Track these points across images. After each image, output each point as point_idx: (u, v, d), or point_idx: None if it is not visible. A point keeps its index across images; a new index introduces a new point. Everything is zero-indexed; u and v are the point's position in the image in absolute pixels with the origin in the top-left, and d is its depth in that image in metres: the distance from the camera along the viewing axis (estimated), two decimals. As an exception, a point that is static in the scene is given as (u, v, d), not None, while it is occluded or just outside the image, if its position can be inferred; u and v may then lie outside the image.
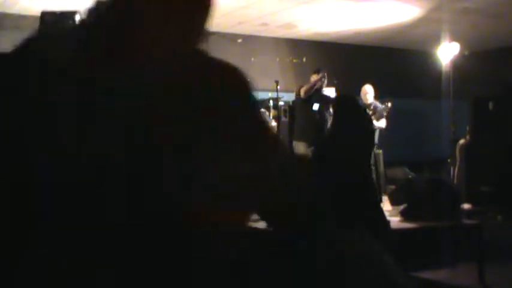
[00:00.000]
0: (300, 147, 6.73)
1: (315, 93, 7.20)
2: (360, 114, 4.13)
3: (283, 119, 8.17)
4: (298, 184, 1.07)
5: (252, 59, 10.17)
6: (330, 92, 9.74)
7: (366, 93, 8.20)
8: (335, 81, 7.94)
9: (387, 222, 4.03)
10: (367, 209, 3.87)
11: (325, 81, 7.34)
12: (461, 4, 8.09)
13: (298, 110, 6.94)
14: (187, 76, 0.97)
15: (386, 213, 5.76)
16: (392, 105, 8.09)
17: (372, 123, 5.17)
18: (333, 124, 4.12)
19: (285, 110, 8.32)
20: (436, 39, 9.40)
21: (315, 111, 6.99)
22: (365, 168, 3.96)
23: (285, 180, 1.03)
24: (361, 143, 3.98)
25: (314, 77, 7.16)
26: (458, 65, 9.44)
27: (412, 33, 9.78)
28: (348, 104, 4.06)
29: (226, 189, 0.94)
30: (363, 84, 8.34)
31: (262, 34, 10.01)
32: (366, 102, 8.16)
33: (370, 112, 8.11)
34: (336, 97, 5.20)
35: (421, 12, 8.58)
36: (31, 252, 0.94)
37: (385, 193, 7.31)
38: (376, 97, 8.30)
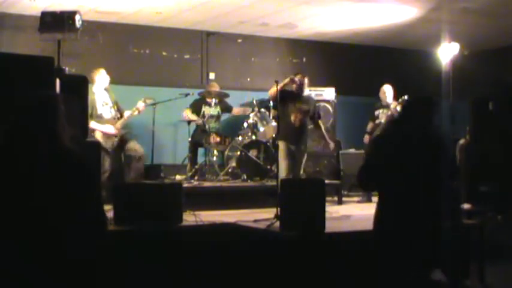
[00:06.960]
0: (281, 146, 6.82)
1: (295, 96, 7.10)
2: None
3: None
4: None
5: (252, 59, 10.18)
6: (329, 92, 9.76)
7: (384, 93, 8.37)
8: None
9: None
10: None
11: (305, 85, 7.19)
12: (461, 4, 8.10)
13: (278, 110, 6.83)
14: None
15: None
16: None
17: None
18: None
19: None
20: (436, 39, 9.40)
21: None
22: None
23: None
24: None
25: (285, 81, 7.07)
26: (458, 65, 9.44)
27: (412, 33, 9.78)
28: None
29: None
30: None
31: (262, 34, 10.01)
32: (385, 102, 8.28)
33: (389, 112, 8.15)
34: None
35: (421, 12, 8.58)
36: None
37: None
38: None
